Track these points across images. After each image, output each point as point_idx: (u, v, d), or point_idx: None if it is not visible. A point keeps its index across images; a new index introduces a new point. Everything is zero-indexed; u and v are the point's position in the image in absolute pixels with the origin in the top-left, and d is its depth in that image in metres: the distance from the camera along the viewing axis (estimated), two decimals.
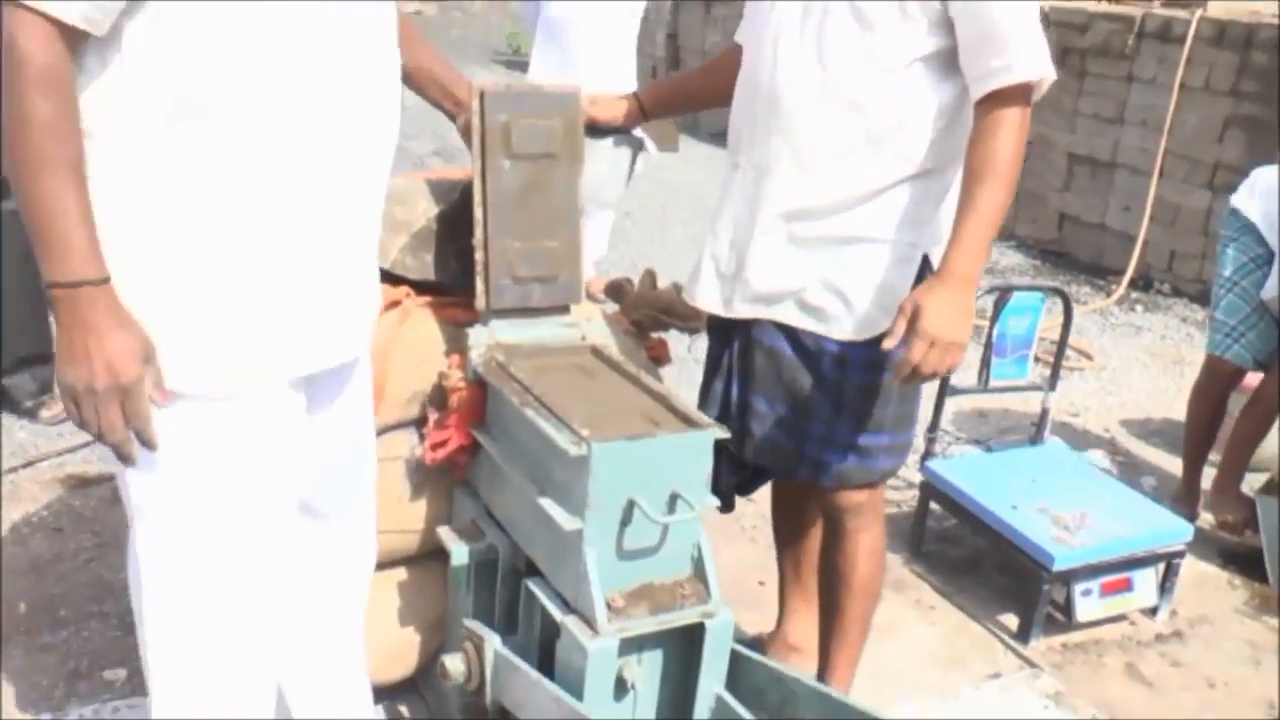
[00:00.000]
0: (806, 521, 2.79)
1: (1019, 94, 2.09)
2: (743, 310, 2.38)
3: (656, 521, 1.98)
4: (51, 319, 1.51)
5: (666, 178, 8.22)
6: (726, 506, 2.66)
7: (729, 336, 2.45)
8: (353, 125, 1.62)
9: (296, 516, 1.91)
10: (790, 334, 2.34)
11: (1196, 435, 3.99)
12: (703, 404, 2.52)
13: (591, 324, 2.43)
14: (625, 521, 2.00)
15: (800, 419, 2.38)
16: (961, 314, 2.10)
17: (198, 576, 1.69)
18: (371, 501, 2.11)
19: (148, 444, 1.56)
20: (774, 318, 2.34)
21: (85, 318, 1.46)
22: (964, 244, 2.10)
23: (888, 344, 2.13)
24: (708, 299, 2.44)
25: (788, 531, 2.83)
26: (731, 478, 2.61)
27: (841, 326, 2.29)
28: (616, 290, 2.74)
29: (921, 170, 2.20)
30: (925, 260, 2.26)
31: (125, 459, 1.56)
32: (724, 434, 2.08)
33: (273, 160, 1.54)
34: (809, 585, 2.84)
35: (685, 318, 2.65)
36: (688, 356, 5.05)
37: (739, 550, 3.55)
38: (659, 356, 2.65)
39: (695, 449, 2.02)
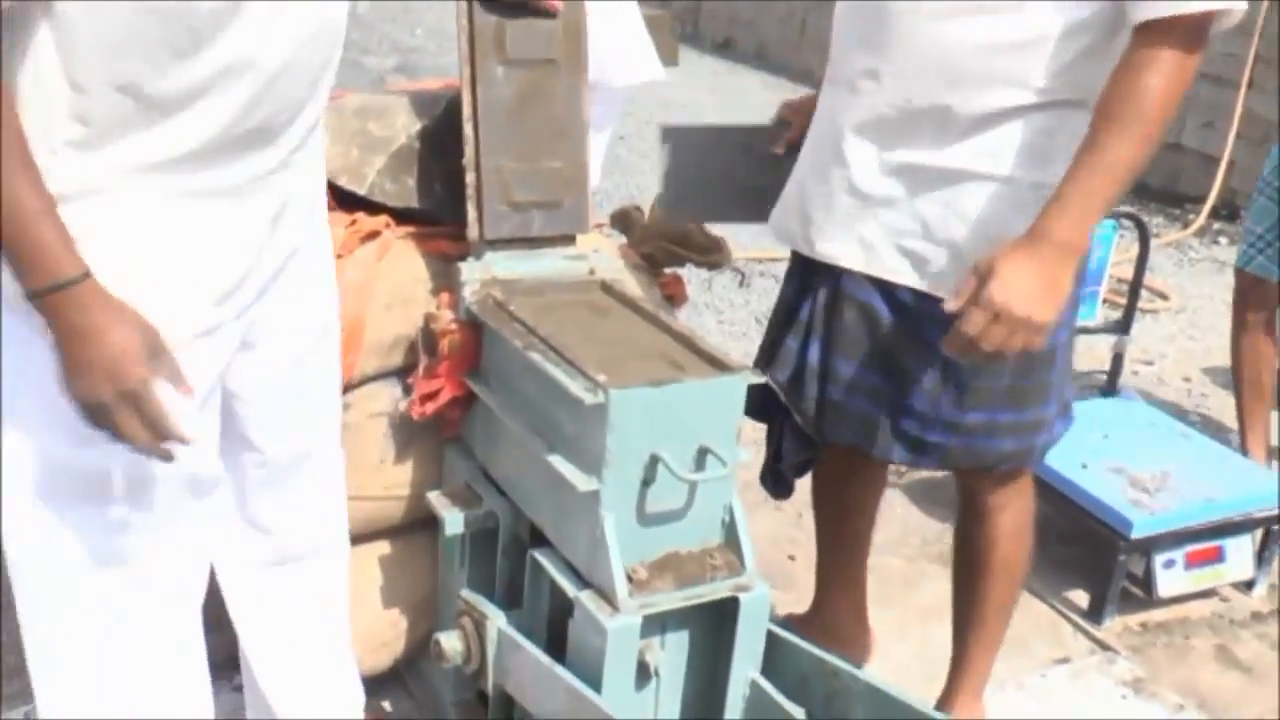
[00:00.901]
0: (855, 493, 2.80)
1: (1188, 28, 1.92)
2: (829, 252, 2.33)
3: (684, 480, 2.01)
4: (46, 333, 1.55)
5: (665, 95, 8.19)
6: (783, 490, 2.68)
7: (812, 284, 2.41)
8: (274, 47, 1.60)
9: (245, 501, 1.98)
10: (886, 288, 2.30)
11: (1240, 374, 3.94)
12: (767, 363, 2.50)
13: (601, 257, 2.45)
14: (648, 481, 2.03)
15: (897, 391, 2.34)
16: (1046, 288, 1.99)
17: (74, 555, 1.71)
18: (335, 463, 2.15)
19: (180, 440, 1.60)
20: (867, 269, 2.30)
21: (74, 322, 1.50)
22: (1068, 200, 1.97)
23: (950, 306, 2.07)
24: (789, 232, 2.42)
25: (832, 505, 2.84)
26: (797, 456, 2.59)
27: (946, 282, 2.21)
28: (624, 220, 2.76)
29: (1051, 99, 2.09)
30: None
31: (165, 458, 1.61)
32: (758, 378, 2.10)
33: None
34: (852, 565, 2.88)
35: (704, 250, 2.68)
36: (703, 300, 5.15)
37: (765, 519, 3.57)
38: (674, 295, 2.67)
39: (726, 396, 2.05)
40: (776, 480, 2.67)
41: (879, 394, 2.37)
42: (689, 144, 2.66)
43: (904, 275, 2.27)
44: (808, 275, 2.42)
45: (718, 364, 2.08)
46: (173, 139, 1.55)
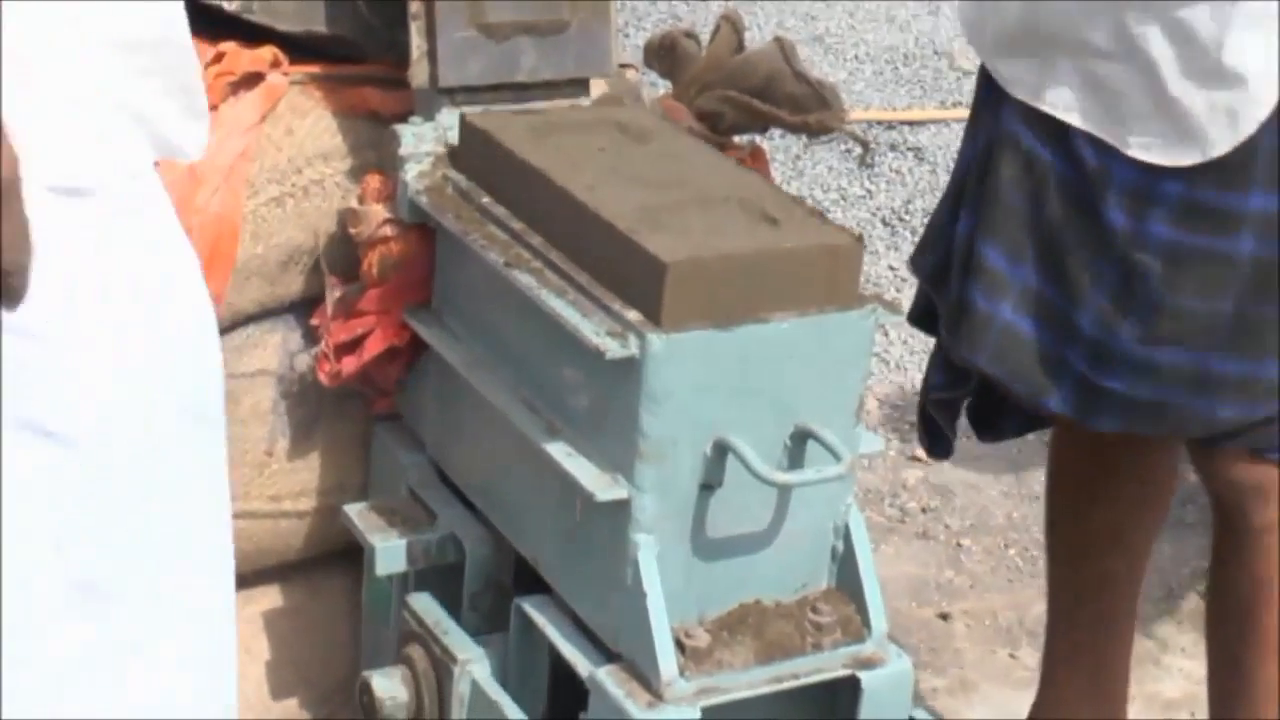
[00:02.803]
0: (1126, 498, 2.76)
1: None
2: (996, 68, 2.45)
3: (770, 482, 2.00)
4: None
5: None
6: (938, 444, 2.73)
7: (979, 119, 2.56)
8: None
9: None
10: (1062, 132, 2.38)
11: None
12: (920, 249, 2.63)
13: (634, 111, 2.46)
14: (710, 484, 2.02)
15: (1064, 300, 2.43)
16: None
17: None
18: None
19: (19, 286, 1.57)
20: (1031, 98, 2.39)
21: None
22: None
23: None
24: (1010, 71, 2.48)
25: (1074, 519, 2.81)
26: (947, 389, 2.64)
27: (1144, 134, 2.29)
28: (669, 54, 2.75)
29: None
30: None
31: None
32: (895, 314, 2.14)
33: None
34: (1103, 633, 2.83)
35: (800, 104, 2.65)
36: (796, 187, 5.13)
37: (903, 550, 3.59)
38: None
39: (847, 336, 2.05)
40: (929, 426, 2.72)
41: (1040, 303, 2.44)
42: None
43: (1075, 116, 2.37)
44: (980, 106, 2.57)
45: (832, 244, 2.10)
46: None
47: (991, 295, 2.46)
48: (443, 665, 2.21)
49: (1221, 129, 2.26)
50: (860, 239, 2.14)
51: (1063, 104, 2.36)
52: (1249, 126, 2.24)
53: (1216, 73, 2.24)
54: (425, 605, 2.27)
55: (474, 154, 2.28)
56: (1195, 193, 2.31)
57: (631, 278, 2.00)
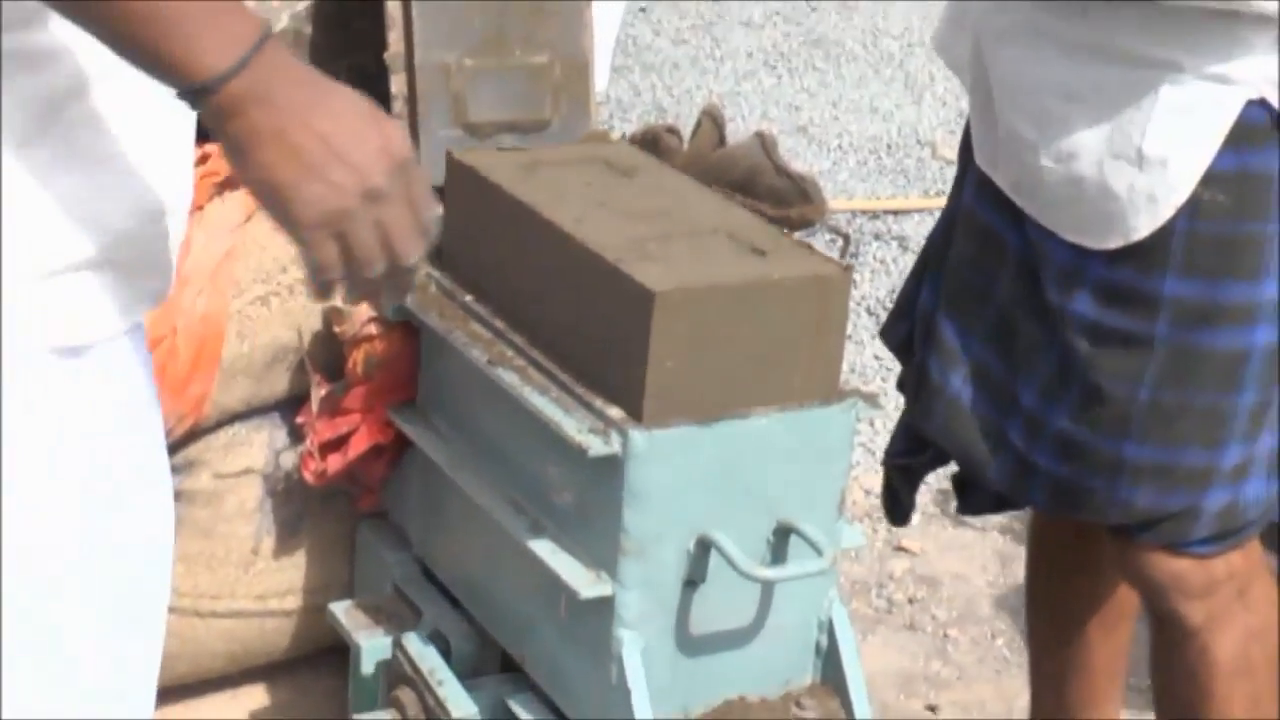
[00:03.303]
0: (1104, 593, 2.78)
1: None
2: (981, 155, 2.45)
3: (753, 577, 2.00)
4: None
5: None
6: (896, 511, 2.72)
7: (955, 191, 2.56)
8: None
9: None
10: (1016, 207, 2.40)
11: None
12: (890, 320, 2.64)
13: (619, 147, 2.50)
14: (694, 580, 2.02)
15: (1010, 375, 2.43)
16: None
17: None
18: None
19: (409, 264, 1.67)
20: (987, 166, 2.41)
21: (286, 96, 1.54)
22: None
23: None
24: (975, 137, 2.50)
25: (1062, 611, 2.82)
26: (902, 456, 2.64)
27: (1073, 216, 2.31)
28: (651, 148, 2.69)
29: None
30: (1265, 108, 2.26)
31: (403, 292, 1.70)
32: (875, 407, 2.14)
33: None
34: None
35: (783, 198, 2.66)
36: None
37: (889, 642, 3.55)
38: None
39: (828, 430, 2.06)
40: (890, 492, 2.72)
41: (987, 377, 2.44)
42: None
43: (1016, 192, 2.38)
44: (955, 181, 2.57)
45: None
46: None
47: (945, 367, 2.47)
48: (434, 717, 2.20)
49: (1141, 213, 2.27)
50: (849, 269, 2.15)
51: (1007, 181, 2.38)
52: (1168, 211, 2.25)
53: (1138, 157, 2.27)
54: (419, 650, 2.26)
55: (461, 191, 2.27)
56: (1115, 275, 2.32)
57: (619, 307, 1.99)
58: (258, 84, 1.54)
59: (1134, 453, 2.36)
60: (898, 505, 2.70)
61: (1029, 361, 2.39)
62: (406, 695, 2.24)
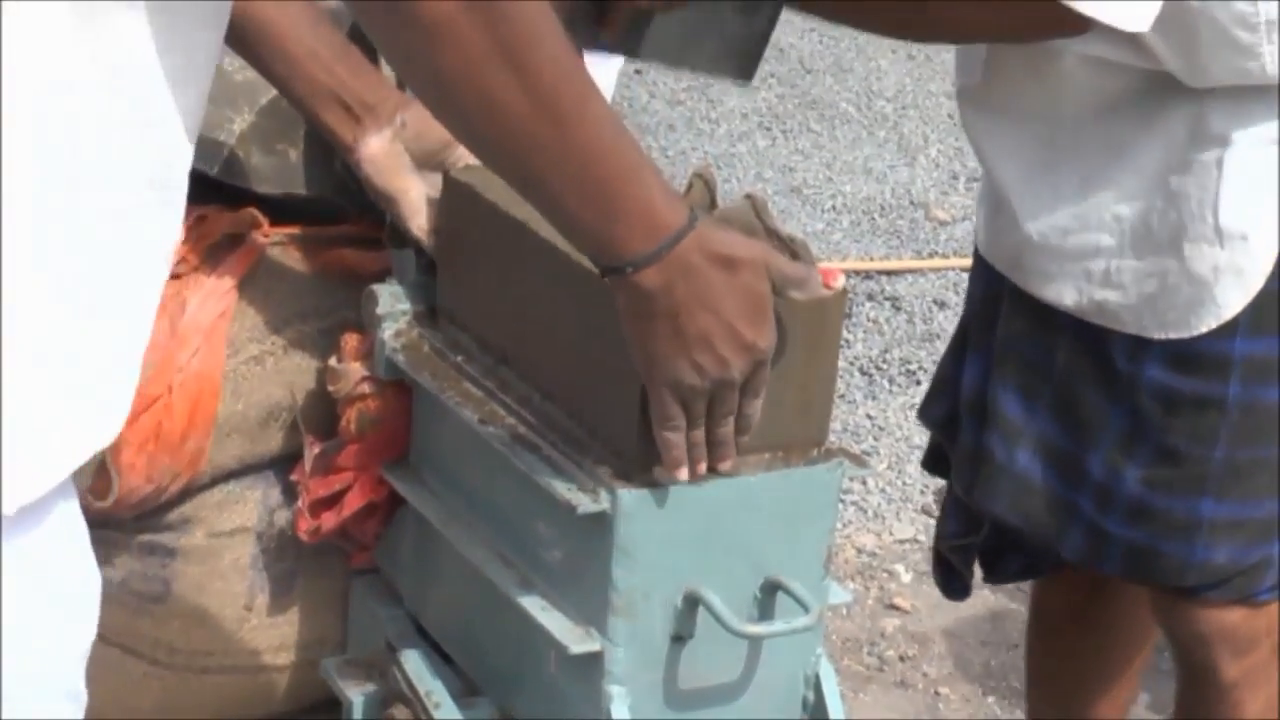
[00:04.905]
0: (1109, 658, 2.79)
1: None
2: (997, 256, 2.49)
3: (740, 634, 1.99)
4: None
5: None
6: (955, 586, 2.77)
7: (982, 272, 2.58)
8: None
9: None
10: None
11: None
12: (926, 401, 2.73)
13: None
14: (681, 635, 2.02)
15: (1076, 446, 2.43)
16: None
17: None
18: None
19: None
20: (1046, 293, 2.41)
21: (686, 288, 1.74)
22: None
23: None
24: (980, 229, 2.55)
25: (1065, 677, 2.83)
26: (961, 535, 2.65)
27: (1156, 313, 2.32)
28: None
29: None
30: None
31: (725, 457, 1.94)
32: (861, 467, 2.11)
33: None
34: None
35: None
36: None
37: (877, 699, 3.57)
38: None
39: (814, 489, 2.04)
40: (945, 571, 2.77)
41: (1054, 449, 2.45)
42: None
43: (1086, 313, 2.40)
44: (982, 260, 2.59)
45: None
46: None
47: (1009, 443, 2.46)
48: None
49: (1231, 289, 2.27)
50: (845, 291, 2.14)
51: (1068, 302, 2.38)
52: (1258, 281, 2.25)
53: (1216, 235, 2.26)
54: (416, 668, 2.25)
55: (456, 208, 2.24)
56: (1186, 340, 2.32)
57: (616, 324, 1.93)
58: (668, 270, 1.74)
59: (1211, 511, 2.37)
60: (956, 582, 2.74)
61: (1094, 429, 2.40)
62: (401, 713, 2.23)
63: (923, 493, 4.33)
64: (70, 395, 1.46)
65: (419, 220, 2.28)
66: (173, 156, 1.47)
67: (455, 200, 2.26)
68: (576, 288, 2.01)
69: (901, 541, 4.09)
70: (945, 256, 5.61)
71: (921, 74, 7.07)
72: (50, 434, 1.46)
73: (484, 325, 2.24)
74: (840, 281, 2.12)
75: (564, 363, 2.10)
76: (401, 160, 2.25)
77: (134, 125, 1.42)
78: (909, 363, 5.01)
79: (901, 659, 3.69)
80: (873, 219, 6.07)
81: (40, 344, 1.41)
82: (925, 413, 2.72)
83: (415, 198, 2.28)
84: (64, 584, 1.59)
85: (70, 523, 1.57)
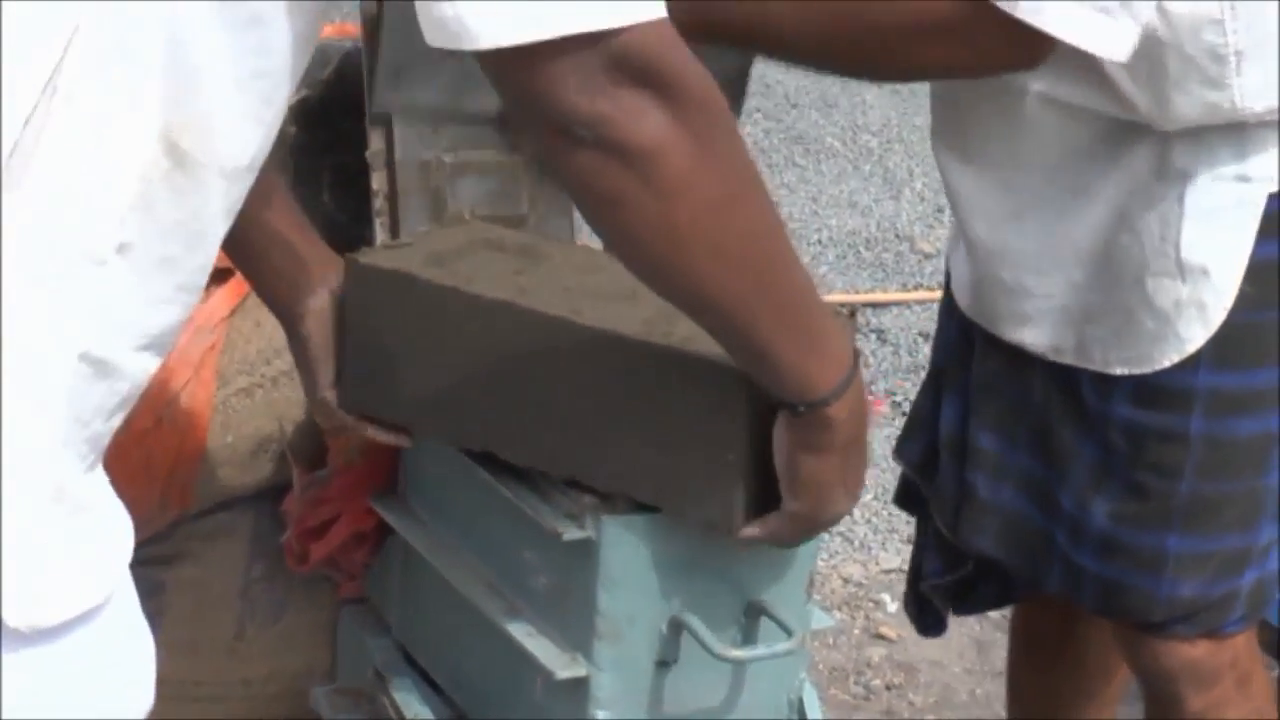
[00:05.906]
0: (1088, 686, 2.80)
1: None
2: (967, 300, 2.49)
3: (724, 658, 1.99)
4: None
5: None
6: (931, 624, 2.77)
7: (953, 311, 2.57)
8: None
9: None
10: None
11: None
12: (901, 440, 2.71)
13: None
14: (666, 660, 2.02)
15: (1055, 480, 2.44)
16: None
17: None
18: None
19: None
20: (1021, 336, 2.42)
21: (851, 426, 1.78)
22: None
23: None
24: (951, 272, 2.55)
25: (1046, 702, 2.84)
26: (943, 574, 2.65)
27: (1121, 350, 2.32)
28: None
29: None
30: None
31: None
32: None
33: None
34: None
35: None
36: None
37: None
38: None
39: None
40: (920, 608, 2.75)
41: (1034, 483, 2.45)
42: None
43: (1047, 350, 2.41)
44: (956, 312, 2.56)
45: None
46: None
47: (993, 481, 2.47)
48: None
49: (1194, 323, 2.27)
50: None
51: (1043, 344, 2.38)
52: (1219, 315, 2.25)
53: (1178, 269, 2.26)
54: (405, 696, 2.26)
55: (382, 302, 2.08)
56: (1150, 375, 2.32)
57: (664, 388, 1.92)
58: (845, 403, 1.75)
59: (1176, 546, 2.37)
60: (931, 618, 2.75)
61: (1067, 463, 2.40)
62: None
63: (908, 523, 4.29)
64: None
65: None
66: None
67: (383, 291, 2.10)
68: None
69: (888, 571, 4.09)
70: (930, 289, 5.61)
71: (907, 108, 7.07)
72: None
73: (440, 417, 2.12)
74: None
75: (579, 431, 1.99)
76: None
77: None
78: (895, 394, 5.01)
79: (888, 688, 3.69)
80: (858, 252, 6.09)
81: None
82: (901, 452, 2.70)
83: None
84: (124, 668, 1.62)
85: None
